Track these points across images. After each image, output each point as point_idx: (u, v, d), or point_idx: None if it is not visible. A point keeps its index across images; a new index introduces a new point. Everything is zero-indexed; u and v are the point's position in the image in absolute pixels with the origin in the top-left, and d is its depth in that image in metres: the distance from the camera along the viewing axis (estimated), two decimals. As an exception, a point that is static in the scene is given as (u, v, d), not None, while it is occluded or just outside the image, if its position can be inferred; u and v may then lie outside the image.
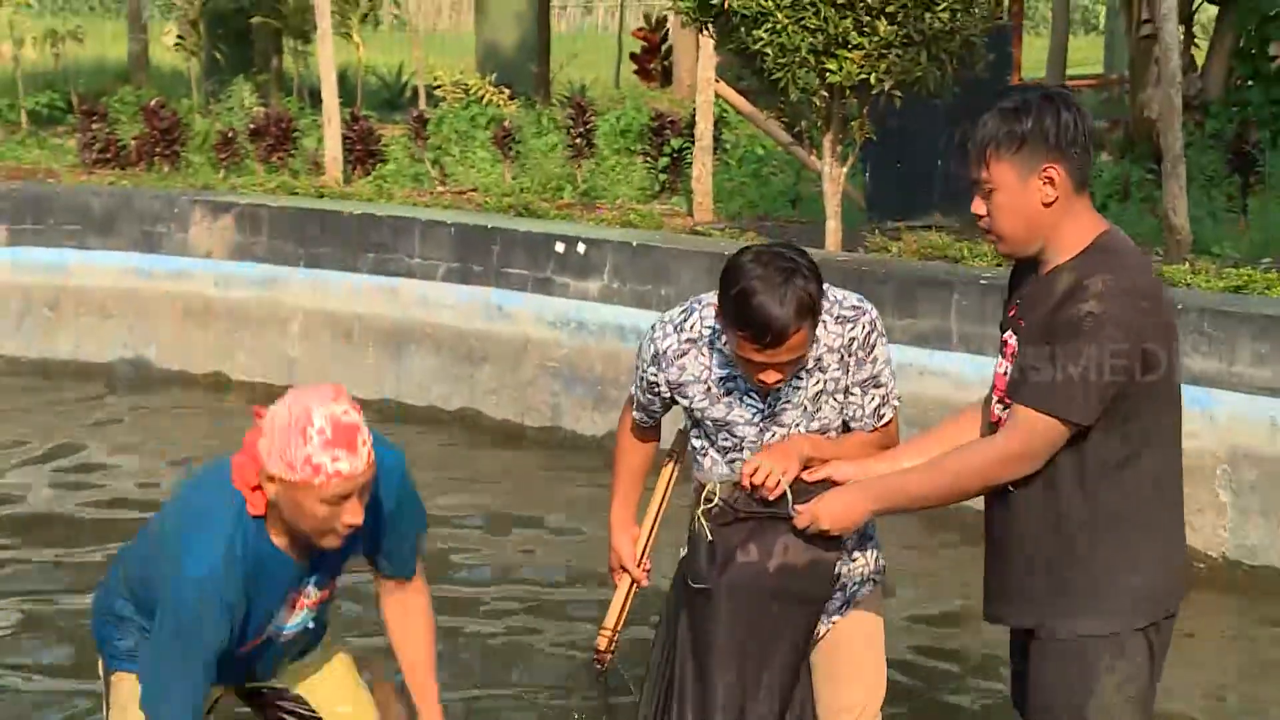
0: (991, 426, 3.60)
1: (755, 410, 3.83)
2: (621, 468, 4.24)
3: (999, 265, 8.17)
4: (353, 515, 3.37)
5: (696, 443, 4.00)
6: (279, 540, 3.49)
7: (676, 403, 3.99)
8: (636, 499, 4.24)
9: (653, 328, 3.95)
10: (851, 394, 3.84)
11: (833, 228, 9.08)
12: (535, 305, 9.71)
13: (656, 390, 3.97)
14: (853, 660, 4.02)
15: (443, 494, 8.23)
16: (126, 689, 3.72)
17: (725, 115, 13.28)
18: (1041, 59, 19.85)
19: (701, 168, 10.87)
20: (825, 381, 3.81)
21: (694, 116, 11.27)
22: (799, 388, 3.80)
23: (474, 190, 12.06)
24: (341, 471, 3.31)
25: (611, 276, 9.44)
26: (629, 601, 4.20)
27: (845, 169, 8.99)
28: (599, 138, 13.05)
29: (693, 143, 11.18)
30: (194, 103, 16.39)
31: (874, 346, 3.83)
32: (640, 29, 22.36)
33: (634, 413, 4.15)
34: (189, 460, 8.74)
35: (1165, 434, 3.48)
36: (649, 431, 4.20)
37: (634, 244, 9.44)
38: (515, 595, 7.00)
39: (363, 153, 12.65)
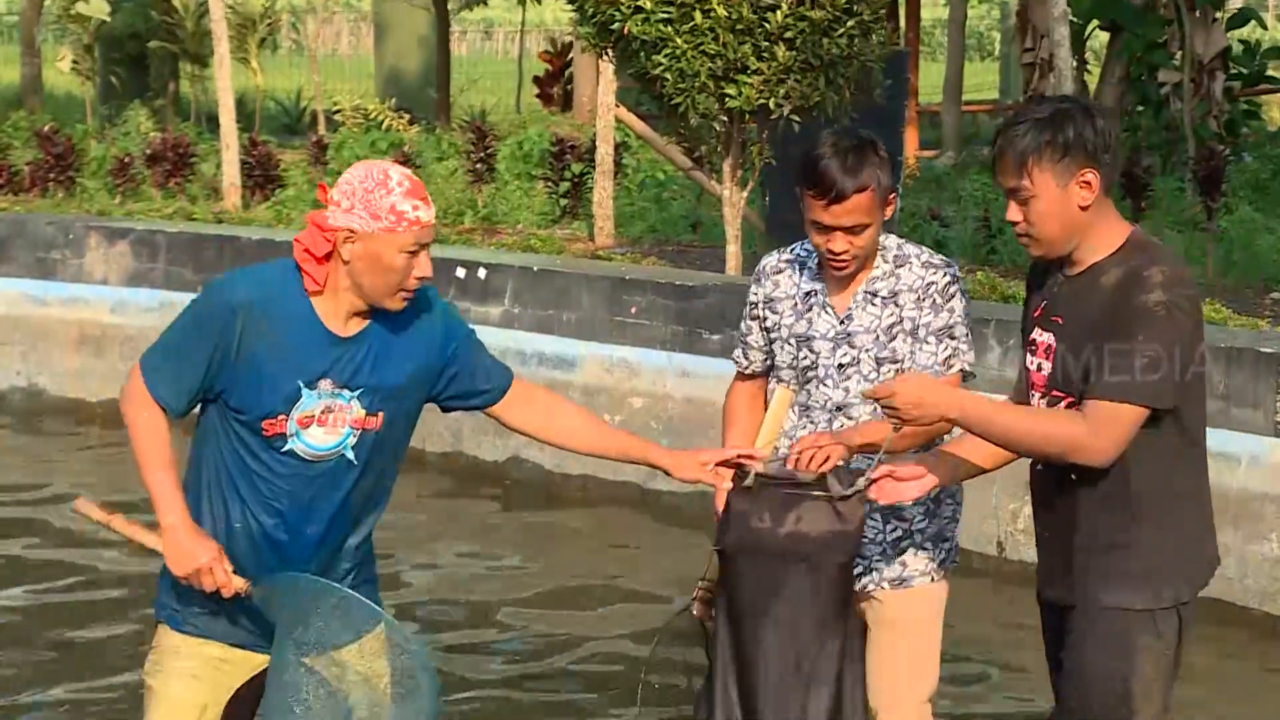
0: None
1: (830, 325, 4.02)
2: (725, 422, 4.26)
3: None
4: (423, 268, 3.54)
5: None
6: (319, 306, 3.58)
7: (769, 334, 4.11)
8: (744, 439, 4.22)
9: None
10: (926, 342, 4.00)
11: (733, 252, 9.14)
12: (436, 330, 9.65)
13: (755, 312, 4.17)
14: (894, 647, 4.09)
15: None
16: (164, 639, 3.77)
17: (626, 140, 13.33)
18: (938, 84, 20.10)
19: (602, 192, 10.90)
20: (901, 318, 3.99)
21: (594, 141, 11.30)
22: (873, 314, 3.99)
23: (374, 215, 12.00)
24: (420, 219, 3.51)
25: (512, 301, 9.43)
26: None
27: (745, 193, 9.04)
28: (499, 162, 13.05)
29: (593, 167, 11.21)
30: (89, 128, 16.22)
31: (953, 298, 4.00)
32: (546, 52, 22.40)
33: (734, 359, 4.27)
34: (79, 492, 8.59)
35: (1202, 422, 3.64)
36: (749, 380, 4.25)
37: (535, 269, 9.44)
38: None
39: (261, 178, 12.57)
